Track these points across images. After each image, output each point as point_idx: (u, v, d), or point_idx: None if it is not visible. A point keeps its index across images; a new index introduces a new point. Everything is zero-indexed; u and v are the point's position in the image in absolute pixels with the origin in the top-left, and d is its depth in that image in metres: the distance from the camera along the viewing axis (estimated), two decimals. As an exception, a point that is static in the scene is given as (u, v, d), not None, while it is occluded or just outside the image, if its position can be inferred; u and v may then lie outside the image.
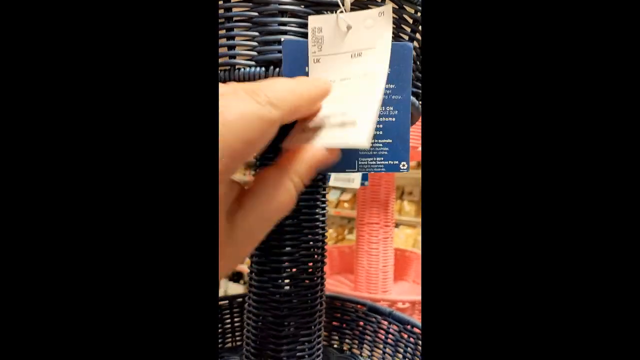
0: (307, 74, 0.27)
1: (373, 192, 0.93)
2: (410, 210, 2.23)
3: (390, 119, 0.27)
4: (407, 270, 1.11)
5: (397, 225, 2.12)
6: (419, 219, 2.13)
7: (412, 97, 0.30)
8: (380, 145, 0.27)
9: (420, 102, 0.34)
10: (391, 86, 0.27)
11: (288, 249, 0.38)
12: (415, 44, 0.31)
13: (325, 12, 0.29)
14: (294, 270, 0.38)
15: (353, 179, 0.77)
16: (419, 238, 2.13)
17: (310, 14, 0.28)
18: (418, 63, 0.32)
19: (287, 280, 0.38)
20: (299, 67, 0.27)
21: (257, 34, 0.29)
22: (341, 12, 0.26)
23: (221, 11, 0.30)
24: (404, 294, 0.96)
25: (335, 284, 1.00)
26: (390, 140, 0.27)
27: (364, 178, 0.82)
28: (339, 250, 1.15)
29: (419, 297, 0.81)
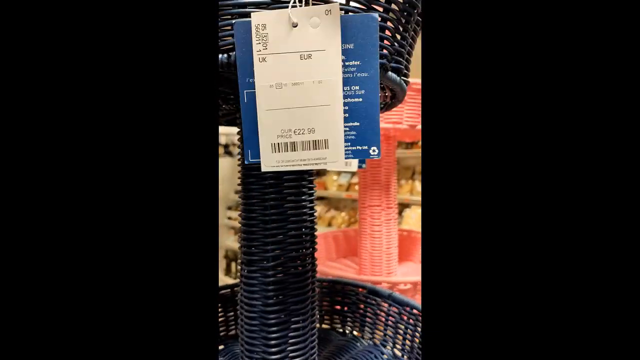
0: None
1: (373, 174, 0.92)
2: (422, 190, 2.20)
3: (356, 99, 0.25)
4: (414, 251, 1.10)
5: (409, 205, 2.10)
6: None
7: (391, 74, 0.29)
8: (347, 129, 0.25)
9: (403, 79, 0.32)
10: (355, 63, 0.24)
11: (273, 238, 0.38)
12: (392, 14, 0.29)
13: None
14: (281, 258, 0.38)
15: (350, 162, 0.76)
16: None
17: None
18: (399, 36, 0.30)
19: (274, 270, 0.38)
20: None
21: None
22: (294, 5, 0.24)
23: None
24: (408, 275, 0.95)
25: (341, 267, 1.00)
26: (358, 124, 0.24)
27: (362, 160, 0.81)
28: (344, 234, 1.15)
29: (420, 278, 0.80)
